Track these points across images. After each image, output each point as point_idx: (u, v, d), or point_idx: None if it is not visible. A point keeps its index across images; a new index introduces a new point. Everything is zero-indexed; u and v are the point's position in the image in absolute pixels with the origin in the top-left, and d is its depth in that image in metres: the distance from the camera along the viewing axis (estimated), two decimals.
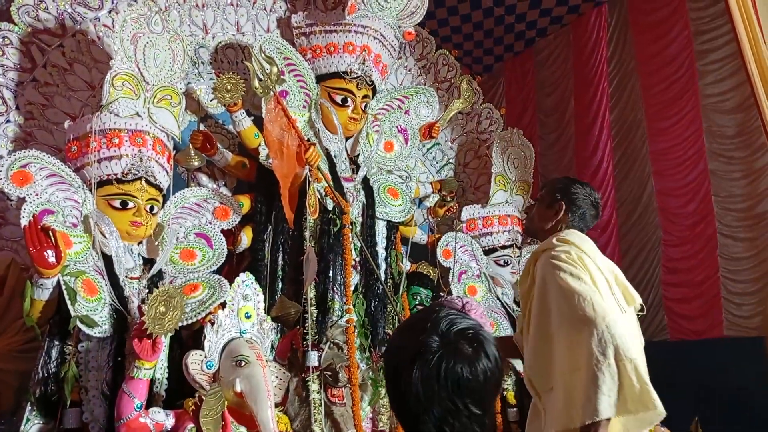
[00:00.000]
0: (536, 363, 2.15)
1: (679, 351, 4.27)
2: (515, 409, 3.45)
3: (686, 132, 4.48)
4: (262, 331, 2.33)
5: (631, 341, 2.00)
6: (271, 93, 2.79)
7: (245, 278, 2.35)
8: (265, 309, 2.48)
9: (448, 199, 3.68)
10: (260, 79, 2.77)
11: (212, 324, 2.17)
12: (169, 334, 2.17)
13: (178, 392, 2.32)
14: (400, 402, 1.16)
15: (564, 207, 2.35)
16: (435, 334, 1.13)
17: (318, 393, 2.78)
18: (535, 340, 2.15)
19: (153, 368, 2.07)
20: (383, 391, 3.06)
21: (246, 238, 3.03)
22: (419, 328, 1.15)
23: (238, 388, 2.06)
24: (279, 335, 2.71)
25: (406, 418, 1.16)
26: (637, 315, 2.26)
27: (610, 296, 2.10)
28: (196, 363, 2.10)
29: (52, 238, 2.11)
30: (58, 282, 2.17)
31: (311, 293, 2.88)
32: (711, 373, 3.97)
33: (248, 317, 2.27)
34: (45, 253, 2.08)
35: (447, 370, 1.11)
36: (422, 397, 1.11)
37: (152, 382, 2.22)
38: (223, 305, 2.33)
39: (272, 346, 2.53)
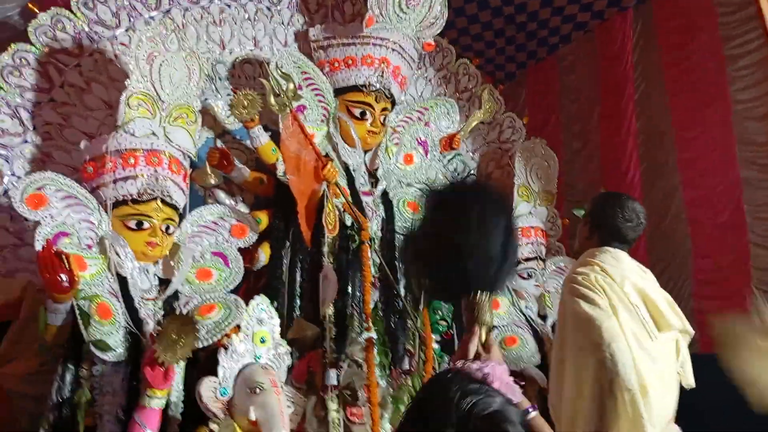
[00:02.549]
0: (553, 389, 2.11)
1: (713, 364, 4.13)
2: None
3: (716, 140, 4.34)
4: (277, 356, 2.29)
5: (644, 372, 1.95)
6: (288, 110, 2.76)
7: (260, 301, 2.31)
8: (282, 329, 2.44)
9: None
10: (277, 95, 2.75)
11: (226, 349, 2.13)
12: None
13: (194, 415, 2.27)
14: None
15: (590, 224, 2.31)
16: (450, 423, 0.91)
17: (337, 412, 2.73)
18: (553, 366, 2.12)
19: (166, 396, 2.04)
20: (403, 408, 3.02)
21: (264, 255, 2.99)
22: (432, 411, 0.95)
23: (253, 417, 2.02)
24: (295, 359, 2.66)
25: None
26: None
27: (632, 322, 2.03)
28: (209, 390, 2.06)
29: (66, 262, 2.09)
30: (72, 306, 2.16)
31: (330, 310, 2.84)
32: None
33: (263, 342, 2.23)
34: (58, 278, 2.07)
35: None
36: None
37: (167, 405, 2.18)
38: (238, 327, 2.30)
39: (289, 370, 2.49)
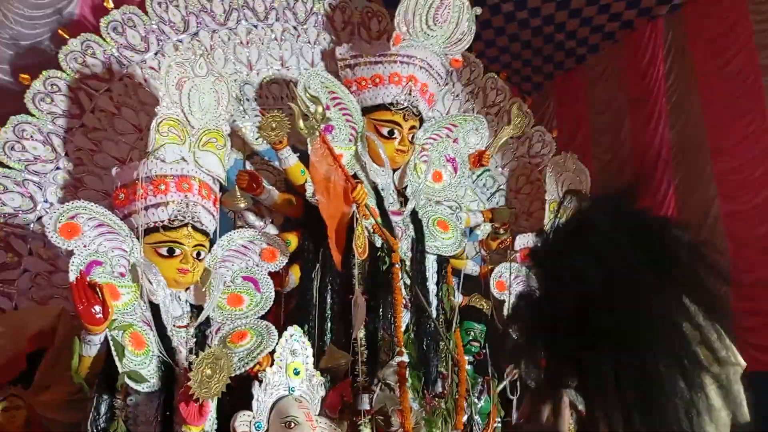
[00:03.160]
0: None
1: (753, 384, 4.00)
2: None
3: (753, 151, 4.22)
4: (311, 387, 2.26)
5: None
6: (317, 133, 2.74)
7: (293, 332, 2.28)
8: (314, 356, 2.40)
9: (501, 231, 3.54)
10: (305, 118, 2.73)
11: (260, 382, 2.11)
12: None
13: None
14: None
15: None
16: None
17: None
18: None
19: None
20: None
21: (294, 277, 2.97)
22: None
23: None
24: (327, 388, 2.63)
25: None
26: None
27: None
28: (244, 425, 2.04)
29: (99, 293, 2.09)
30: (106, 337, 2.15)
31: (361, 333, 2.80)
32: None
33: (297, 373, 2.20)
34: (92, 309, 2.06)
35: None
36: None
37: None
38: (271, 355, 2.28)
39: (322, 400, 2.45)
